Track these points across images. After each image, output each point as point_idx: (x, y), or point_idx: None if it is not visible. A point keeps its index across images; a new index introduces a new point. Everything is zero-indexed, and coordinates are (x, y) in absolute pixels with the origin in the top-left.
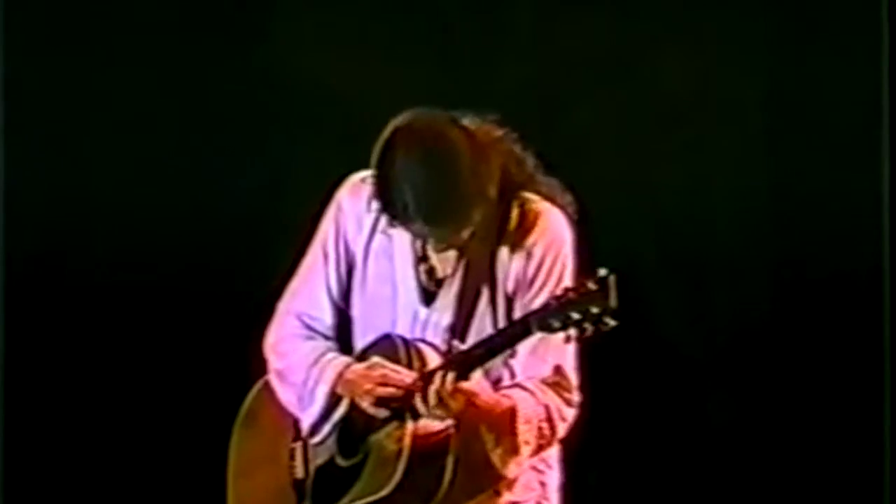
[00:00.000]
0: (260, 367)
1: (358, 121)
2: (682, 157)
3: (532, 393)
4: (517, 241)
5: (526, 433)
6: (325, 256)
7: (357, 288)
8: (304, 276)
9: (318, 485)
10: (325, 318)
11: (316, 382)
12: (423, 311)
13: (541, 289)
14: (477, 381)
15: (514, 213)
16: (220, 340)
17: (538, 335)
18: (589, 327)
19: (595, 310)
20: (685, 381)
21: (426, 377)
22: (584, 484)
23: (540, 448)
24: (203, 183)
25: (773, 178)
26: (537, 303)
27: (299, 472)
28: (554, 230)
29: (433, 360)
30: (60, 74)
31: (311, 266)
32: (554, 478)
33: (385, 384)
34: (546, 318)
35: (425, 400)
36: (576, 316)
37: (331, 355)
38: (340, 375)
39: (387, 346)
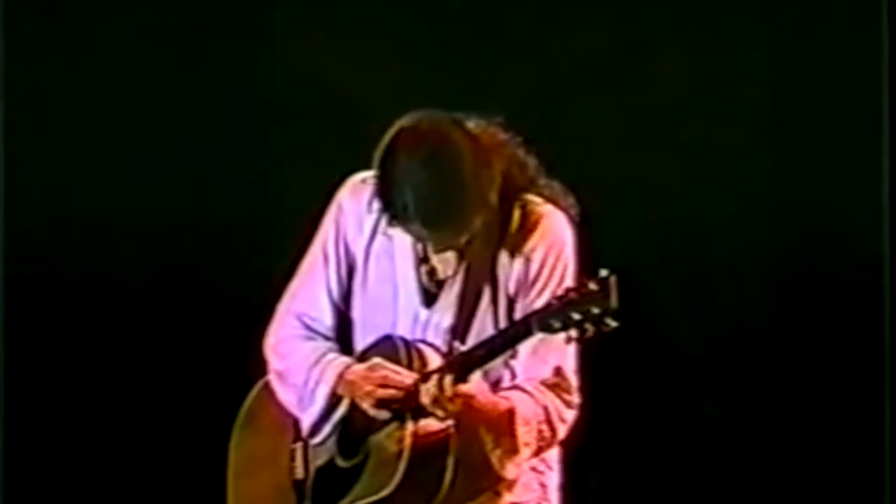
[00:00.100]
0: (260, 367)
1: (358, 121)
2: (682, 157)
3: (531, 395)
4: (519, 243)
5: (525, 435)
6: (326, 257)
7: (357, 289)
8: (304, 277)
9: (318, 485)
10: (326, 318)
11: (316, 383)
12: (423, 313)
13: (542, 290)
14: (475, 383)
15: (516, 214)
16: (220, 341)
17: (539, 336)
18: (590, 328)
19: (596, 310)
20: (685, 382)
21: (426, 378)
22: (585, 485)
23: (539, 449)
24: (203, 183)
25: (773, 178)
26: (538, 304)
27: (299, 473)
28: (555, 232)
29: (434, 361)
30: (60, 74)
31: (312, 267)
32: (554, 479)
33: (386, 386)
34: (547, 319)
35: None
36: (576, 316)
37: (331, 356)
38: (341, 376)
39: (387, 346)
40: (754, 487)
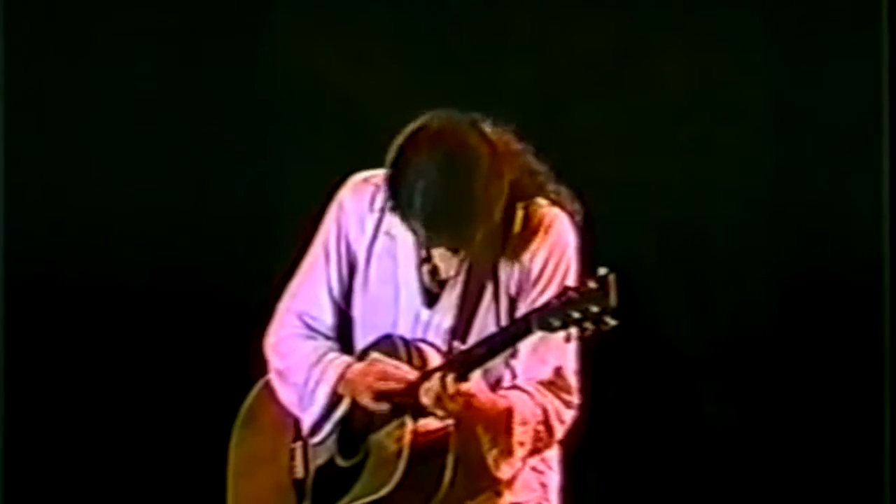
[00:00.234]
0: (260, 367)
1: (358, 121)
2: (682, 157)
3: (530, 395)
4: (521, 244)
5: (521, 435)
6: (327, 256)
7: (359, 288)
8: (305, 276)
9: (318, 485)
10: (326, 318)
11: (317, 382)
12: (424, 313)
13: (543, 291)
14: (475, 382)
15: (519, 215)
16: (220, 341)
17: (539, 336)
18: (589, 326)
19: (595, 309)
20: (685, 382)
21: (426, 376)
22: (585, 485)
23: (536, 450)
24: (203, 183)
25: (773, 178)
26: (540, 304)
27: (299, 472)
28: (558, 233)
29: (434, 360)
30: (60, 74)
31: (312, 266)
32: (554, 479)
33: (385, 379)
34: (546, 317)
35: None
36: (576, 315)
37: (332, 355)
38: (342, 376)
39: (387, 345)
40: (754, 487)
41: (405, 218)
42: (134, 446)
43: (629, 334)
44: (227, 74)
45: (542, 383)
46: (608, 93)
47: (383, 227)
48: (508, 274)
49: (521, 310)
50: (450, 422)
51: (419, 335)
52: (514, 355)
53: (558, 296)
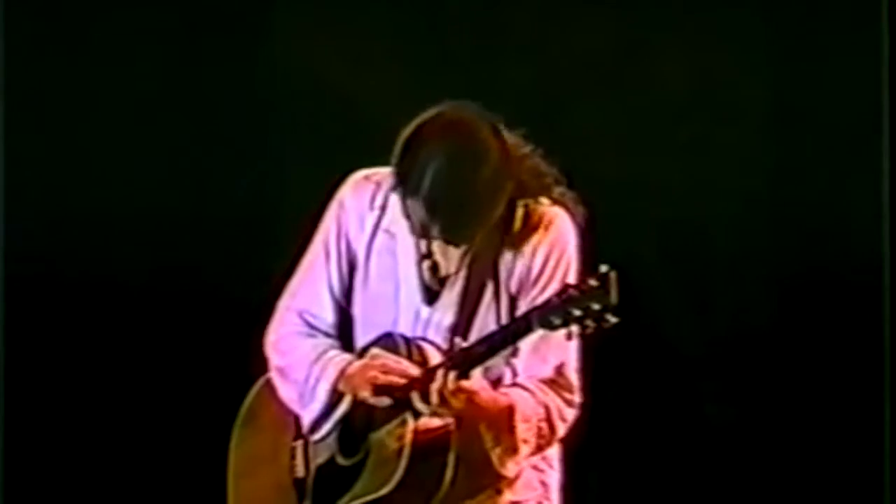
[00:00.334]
0: (260, 367)
1: (358, 121)
2: (682, 157)
3: (532, 392)
4: (522, 242)
5: (524, 432)
6: (327, 254)
7: (359, 286)
8: (305, 274)
9: (318, 483)
10: (327, 315)
11: (317, 380)
12: (425, 311)
13: (544, 289)
14: (476, 379)
15: (519, 213)
16: (220, 341)
17: (540, 334)
18: (590, 324)
19: (596, 306)
20: (685, 382)
21: (427, 374)
22: (586, 484)
23: (539, 448)
24: (203, 183)
25: (773, 178)
26: (540, 302)
27: (300, 471)
28: (558, 231)
29: (434, 357)
30: (60, 74)
31: (313, 263)
32: (555, 477)
33: (386, 372)
34: (547, 315)
35: (426, 398)
36: (577, 312)
37: (332, 353)
38: (342, 373)
39: (388, 343)
40: (754, 487)
41: (410, 199)
42: (134, 446)
43: (629, 334)
44: (227, 74)
45: (543, 381)
46: (608, 93)
47: (383, 225)
48: (509, 271)
49: (522, 308)
50: (450, 420)
51: (419, 333)
52: (514, 354)
53: (559, 293)
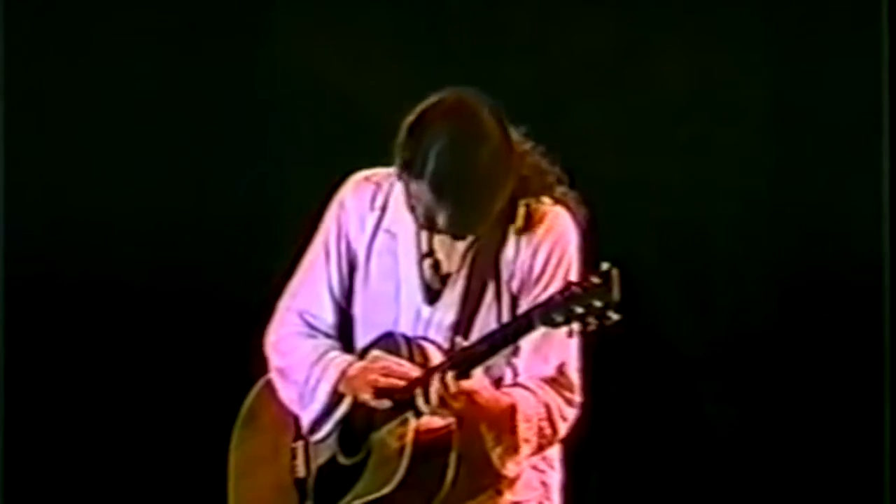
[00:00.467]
0: (260, 367)
1: (358, 121)
2: (682, 157)
3: (533, 392)
4: (523, 240)
5: (526, 431)
6: (327, 255)
7: (359, 286)
8: (305, 275)
9: (320, 484)
10: (327, 316)
11: (318, 381)
12: (426, 310)
13: (545, 288)
14: (478, 379)
15: (521, 212)
16: (220, 341)
17: (541, 333)
18: (592, 321)
19: (598, 303)
20: (685, 382)
21: (428, 374)
22: (586, 484)
23: (540, 447)
24: (203, 183)
25: (773, 178)
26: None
27: (301, 472)
28: (560, 229)
29: (435, 357)
30: (60, 74)
31: (313, 264)
32: (556, 478)
33: (386, 375)
34: (549, 313)
35: (427, 398)
36: (579, 310)
37: (333, 353)
38: (343, 373)
39: (389, 343)
40: (754, 487)
41: (415, 183)
42: (134, 446)
43: (630, 334)
44: (227, 74)
45: (544, 380)
46: (608, 93)
47: (384, 225)
48: (511, 270)
49: (523, 307)
50: (452, 420)
51: (420, 332)
52: (515, 353)
53: (561, 291)
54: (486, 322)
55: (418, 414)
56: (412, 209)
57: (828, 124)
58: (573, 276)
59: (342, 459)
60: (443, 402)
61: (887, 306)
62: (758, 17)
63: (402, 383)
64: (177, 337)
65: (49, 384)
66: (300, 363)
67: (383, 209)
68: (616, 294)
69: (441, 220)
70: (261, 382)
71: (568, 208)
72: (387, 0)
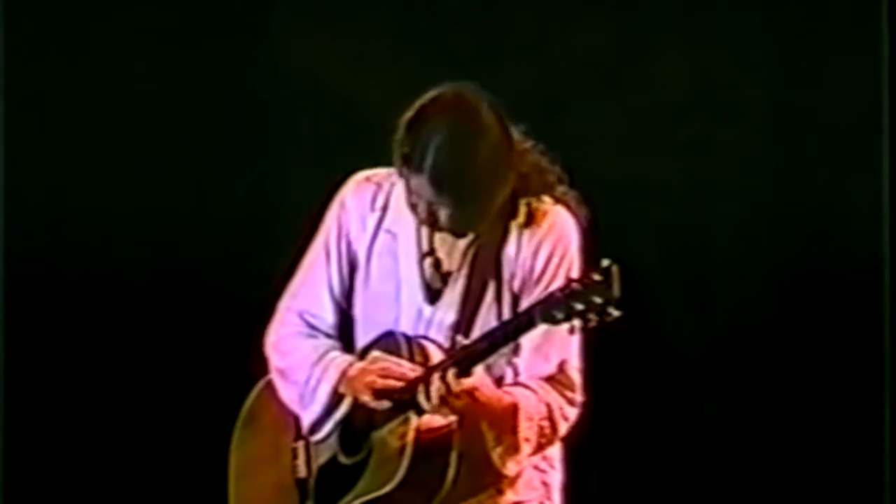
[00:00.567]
0: (261, 367)
1: (358, 121)
2: (682, 157)
3: (534, 391)
4: (524, 239)
5: (527, 431)
6: (328, 255)
7: (360, 286)
8: (305, 275)
9: (320, 483)
10: (327, 316)
11: (318, 381)
12: (427, 309)
13: (546, 288)
14: (479, 377)
15: (522, 211)
16: (220, 341)
17: (542, 332)
18: (593, 318)
19: (599, 300)
20: (685, 382)
21: (429, 372)
22: (587, 484)
23: (540, 447)
24: (203, 183)
25: (773, 178)
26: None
27: (302, 472)
28: (561, 229)
29: (436, 356)
30: (60, 74)
31: (313, 264)
32: (557, 477)
33: (386, 376)
34: (550, 309)
35: (428, 397)
36: (579, 307)
37: (333, 354)
38: (343, 374)
39: (389, 342)
40: (754, 487)
41: (416, 177)
42: (134, 447)
43: (629, 334)
44: (227, 74)
45: (545, 379)
46: (608, 93)
47: (384, 225)
48: (511, 269)
49: (524, 306)
50: (453, 418)
51: (421, 332)
52: (516, 352)
53: (562, 288)
54: (486, 321)
55: (420, 412)
56: (413, 206)
57: (828, 124)
58: (574, 275)
59: (343, 459)
60: (444, 401)
61: (887, 306)
62: (758, 17)
63: (400, 384)
64: (177, 337)
65: (49, 384)
66: (301, 363)
67: (384, 209)
68: (616, 290)
69: (443, 216)
70: (261, 383)
71: (568, 208)
72: (387, 0)
